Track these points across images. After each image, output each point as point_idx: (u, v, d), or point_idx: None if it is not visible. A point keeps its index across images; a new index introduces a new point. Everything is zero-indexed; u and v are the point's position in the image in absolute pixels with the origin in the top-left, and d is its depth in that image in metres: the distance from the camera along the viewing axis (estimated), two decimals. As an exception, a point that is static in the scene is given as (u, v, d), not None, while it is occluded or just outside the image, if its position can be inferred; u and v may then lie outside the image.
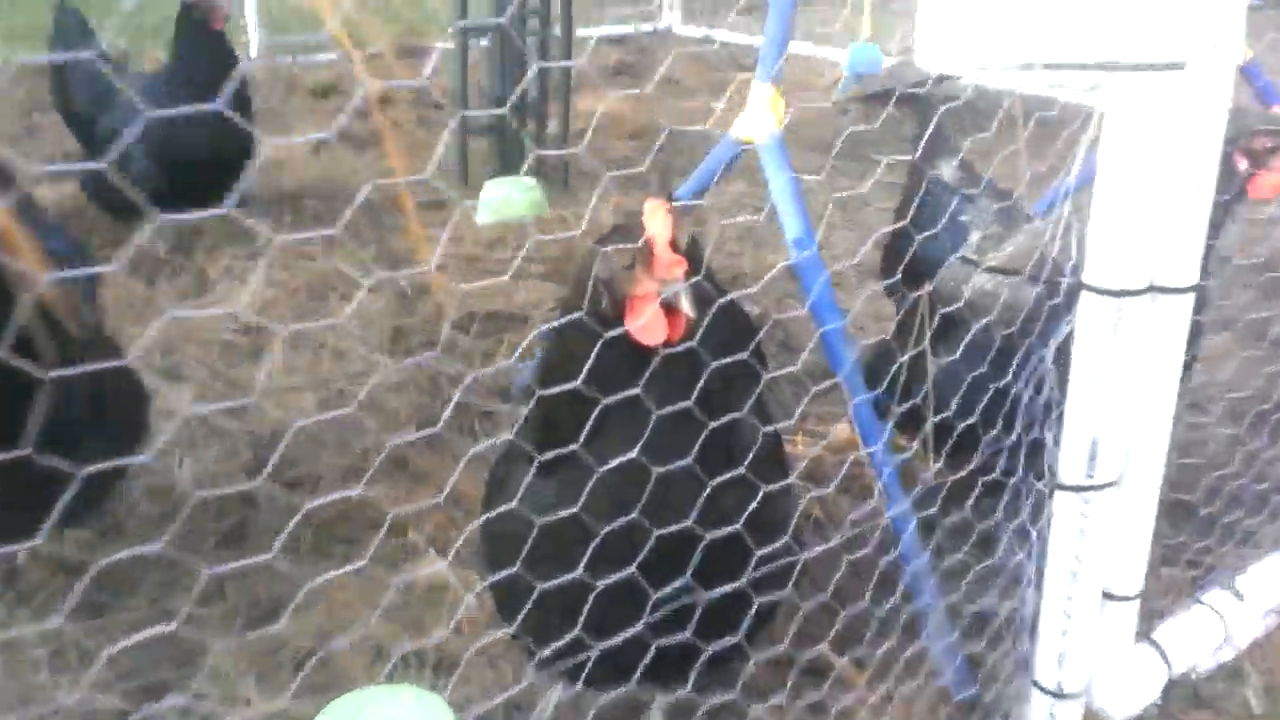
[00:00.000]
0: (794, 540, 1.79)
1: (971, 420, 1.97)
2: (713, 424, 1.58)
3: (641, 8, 9.01)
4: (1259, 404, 2.56)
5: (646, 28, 8.84)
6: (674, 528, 1.55)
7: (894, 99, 2.31)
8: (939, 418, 2.04)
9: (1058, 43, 1.64)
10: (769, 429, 1.77)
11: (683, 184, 2.74)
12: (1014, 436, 1.88)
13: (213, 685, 2.23)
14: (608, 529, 1.51)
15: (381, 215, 4.71)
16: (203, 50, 4.19)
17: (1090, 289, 1.65)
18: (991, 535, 2.04)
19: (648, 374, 1.54)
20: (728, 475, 1.60)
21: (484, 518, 1.76)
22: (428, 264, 4.03)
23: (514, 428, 1.84)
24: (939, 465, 2.14)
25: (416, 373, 3.41)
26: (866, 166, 5.44)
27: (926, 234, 2.20)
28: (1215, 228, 1.70)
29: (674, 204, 1.57)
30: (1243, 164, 2.19)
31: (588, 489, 1.50)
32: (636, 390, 1.47)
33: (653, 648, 1.58)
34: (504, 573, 1.55)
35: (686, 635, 1.60)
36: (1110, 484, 1.71)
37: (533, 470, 1.67)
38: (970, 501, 1.95)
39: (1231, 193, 2.16)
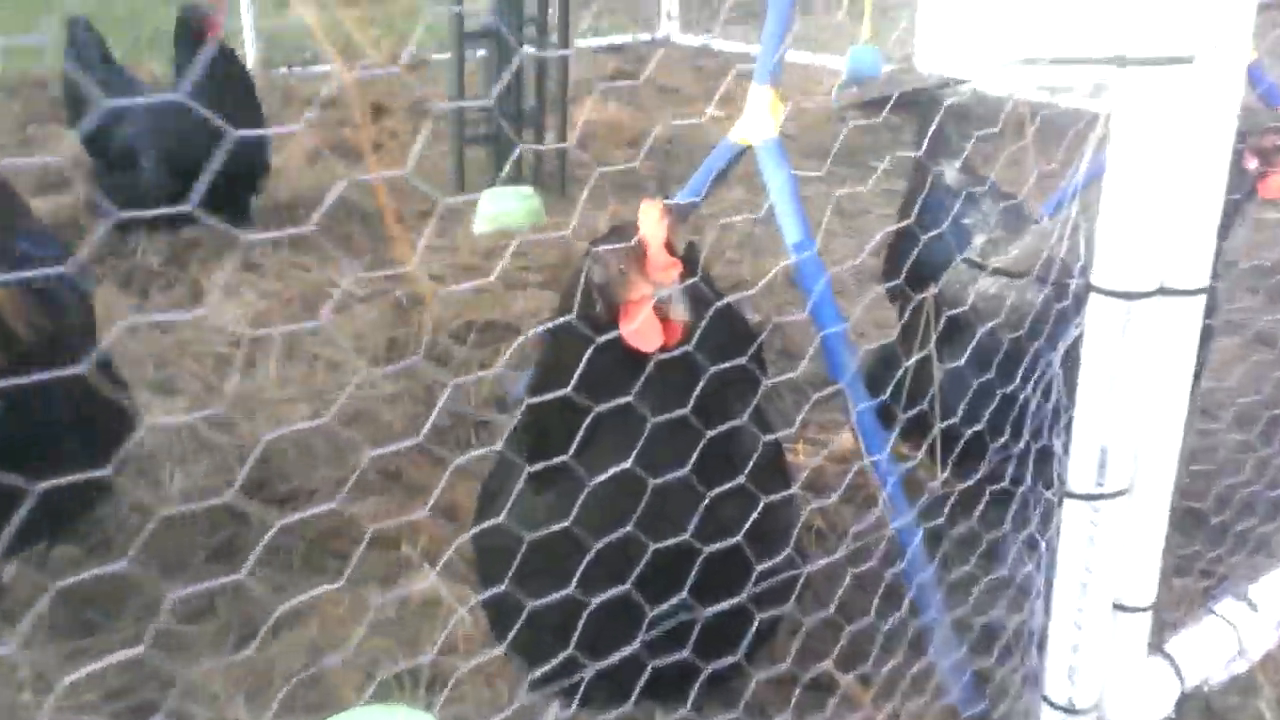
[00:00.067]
0: (796, 553, 1.73)
1: (978, 428, 1.92)
2: (710, 432, 1.52)
3: (640, 17, 8.99)
4: (1269, 410, 2.51)
5: (645, 37, 8.81)
6: (671, 541, 1.49)
7: (892, 103, 2.27)
8: (945, 424, 1.99)
9: (1063, 38, 1.61)
10: (769, 437, 1.71)
11: (681, 189, 2.70)
12: (1022, 444, 1.83)
13: (201, 705, 2.18)
14: (602, 543, 1.45)
15: (377, 226, 4.67)
16: (212, 64, 4.17)
17: (1099, 291, 1.60)
18: (999, 546, 1.99)
19: (642, 380, 1.48)
20: (727, 486, 1.55)
21: (474, 531, 1.71)
22: (411, 269, 3.98)
23: (504, 438, 1.79)
24: (946, 475, 2.08)
25: (411, 384, 3.36)
26: (866, 174, 5.42)
27: (931, 234, 2.15)
28: (1225, 228, 1.65)
29: (669, 205, 1.52)
30: (1253, 163, 2.14)
31: (580, 501, 1.44)
32: (629, 398, 1.41)
33: (650, 667, 1.53)
34: (495, 589, 1.50)
35: (685, 653, 1.54)
36: (1121, 492, 1.67)
37: (523, 481, 1.61)
38: (978, 512, 1.89)
39: (1242, 192, 2.11)
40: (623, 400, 1.40)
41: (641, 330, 1.51)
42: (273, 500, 2.83)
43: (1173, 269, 1.60)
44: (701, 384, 1.49)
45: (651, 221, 1.48)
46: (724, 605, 1.55)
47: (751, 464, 1.60)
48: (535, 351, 3.17)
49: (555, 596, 1.40)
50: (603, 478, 1.42)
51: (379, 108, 6.30)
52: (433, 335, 3.70)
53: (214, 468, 2.92)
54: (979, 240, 2.49)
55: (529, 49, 5.22)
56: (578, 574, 1.43)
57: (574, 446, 1.47)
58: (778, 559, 1.62)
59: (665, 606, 1.52)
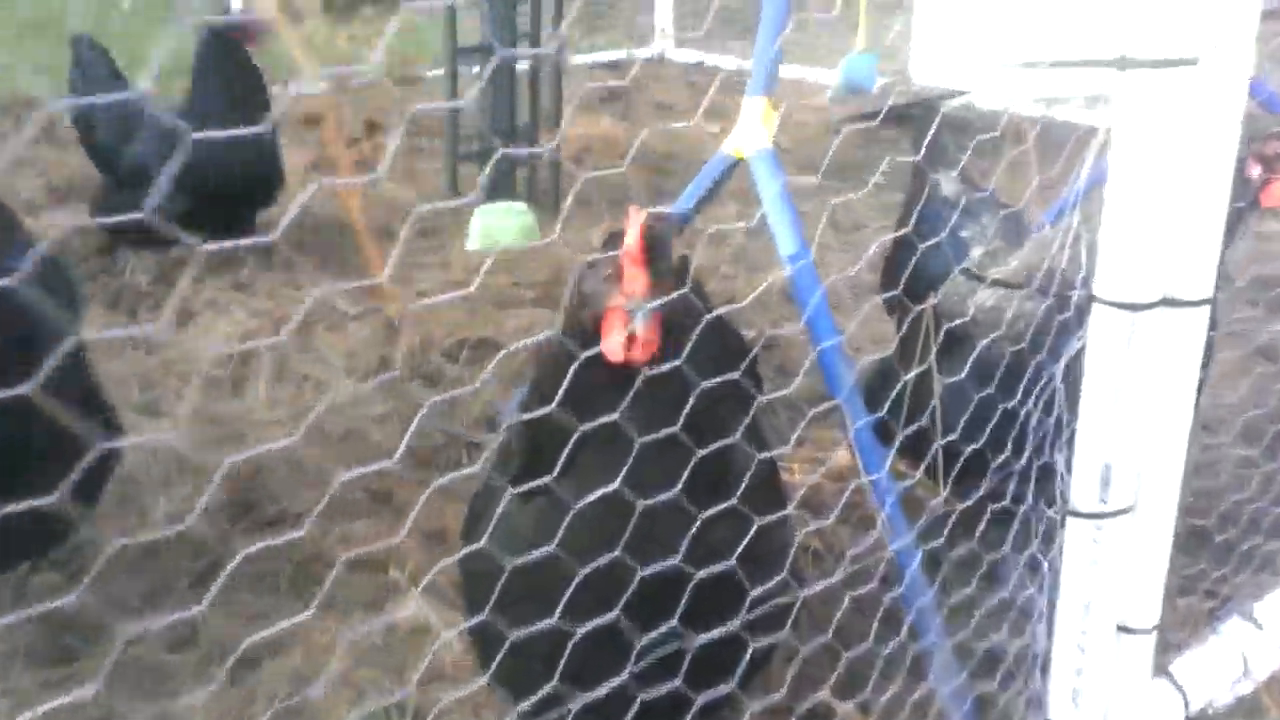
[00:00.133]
0: (792, 576, 1.67)
1: (979, 444, 1.86)
2: (702, 451, 1.46)
3: (634, 33, 8.97)
4: (1273, 424, 2.46)
5: (639, 54, 8.80)
6: (660, 566, 1.43)
7: (883, 115, 2.23)
8: (945, 441, 1.94)
9: (1064, 40, 1.56)
10: (764, 455, 1.66)
11: (674, 202, 2.66)
12: (1023, 461, 1.78)
13: (183, 736, 2.12)
14: (588, 569, 1.39)
15: (370, 244, 4.63)
16: (229, 77, 4.18)
17: (1101, 302, 1.56)
18: (1000, 567, 1.93)
19: (631, 397, 1.42)
20: (719, 507, 1.49)
21: (459, 555, 1.65)
22: (384, 284, 3.94)
23: (486, 457, 1.73)
24: (946, 493, 2.03)
25: (401, 404, 3.31)
26: (860, 187, 5.36)
27: (929, 243, 2.10)
28: (1228, 238, 1.61)
29: (655, 214, 1.47)
30: (1255, 170, 2.09)
31: (565, 524, 1.39)
32: (614, 416, 1.35)
33: (640, 699, 1.47)
34: (478, 616, 1.44)
35: (677, 683, 1.48)
36: (1125, 510, 1.62)
37: (505, 502, 1.56)
38: (979, 532, 1.84)
39: (1245, 201, 2.06)
40: (607, 419, 1.35)
41: (610, 343, 1.47)
42: (259, 523, 2.77)
43: (1176, 279, 1.56)
44: (692, 400, 1.44)
45: (631, 230, 1.44)
46: (716, 633, 1.49)
47: (745, 483, 1.54)
48: (531, 368, 3.13)
49: (538, 626, 1.34)
50: (588, 499, 1.37)
51: (372, 124, 6.27)
52: (424, 354, 3.66)
53: (199, 491, 2.86)
54: (977, 252, 2.44)
55: (522, 65, 5.20)
56: (563, 601, 1.37)
57: (559, 467, 1.41)
58: (772, 584, 1.56)
59: (655, 635, 1.46)
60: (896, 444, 2.02)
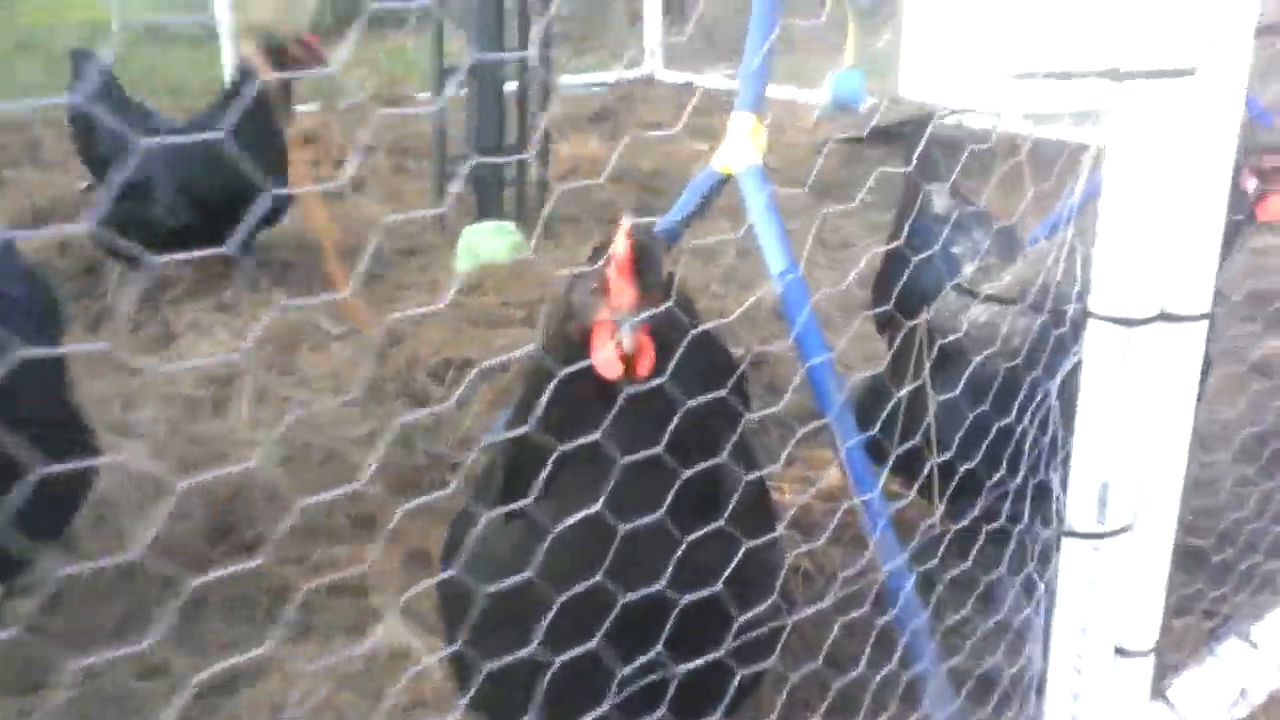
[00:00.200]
0: (782, 599, 1.62)
1: (973, 463, 1.82)
2: (688, 472, 1.41)
3: (623, 54, 8.97)
4: (1271, 442, 2.42)
5: (629, 74, 8.80)
6: (645, 591, 1.38)
7: (872, 134, 2.20)
8: (940, 460, 1.89)
9: (1058, 51, 1.53)
10: (753, 475, 1.61)
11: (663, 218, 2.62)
12: (1018, 480, 1.74)
13: (156, 767, 2.06)
14: (568, 594, 1.34)
15: (356, 264, 4.59)
16: (252, 113, 4.13)
17: (1097, 317, 1.52)
18: (995, 589, 1.89)
19: (615, 415, 1.37)
20: (708, 529, 1.44)
21: (438, 579, 1.60)
22: (348, 299, 3.90)
23: (459, 478, 1.68)
24: (941, 513, 1.98)
25: (386, 425, 3.25)
26: (852, 208, 5.35)
27: (922, 256, 2.06)
28: (1224, 252, 1.58)
29: (641, 224, 1.42)
30: (1251, 184, 2.06)
31: (544, 548, 1.33)
32: (595, 435, 1.30)
33: (624, 727, 1.41)
34: (456, 642, 1.39)
35: (661, 712, 1.43)
36: (1123, 530, 1.58)
37: (485, 525, 1.50)
38: (973, 553, 1.79)
39: (1242, 214, 2.03)
40: (587, 438, 1.29)
41: (604, 358, 1.42)
42: (238, 547, 2.71)
43: (1174, 293, 1.53)
44: (678, 418, 1.39)
45: (619, 242, 1.39)
46: (702, 660, 1.44)
47: (734, 505, 1.50)
48: (517, 387, 3.08)
49: (517, 656, 1.28)
50: (568, 522, 1.32)
51: (362, 144, 6.24)
52: (410, 373, 3.61)
53: (178, 514, 2.81)
54: (969, 268, 2.41)
55: (510, 85, 5.18)
56: (544, 627, 1.32)
57: (537, 489, 1.36)
58: (761, 609, 1.51)
59: (638, 664, 1.40)
60: (889, 463, 1.98)
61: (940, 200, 2.66)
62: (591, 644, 1.31)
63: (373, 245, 4.41)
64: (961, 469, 1.84)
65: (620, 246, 1.39)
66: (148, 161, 4.11)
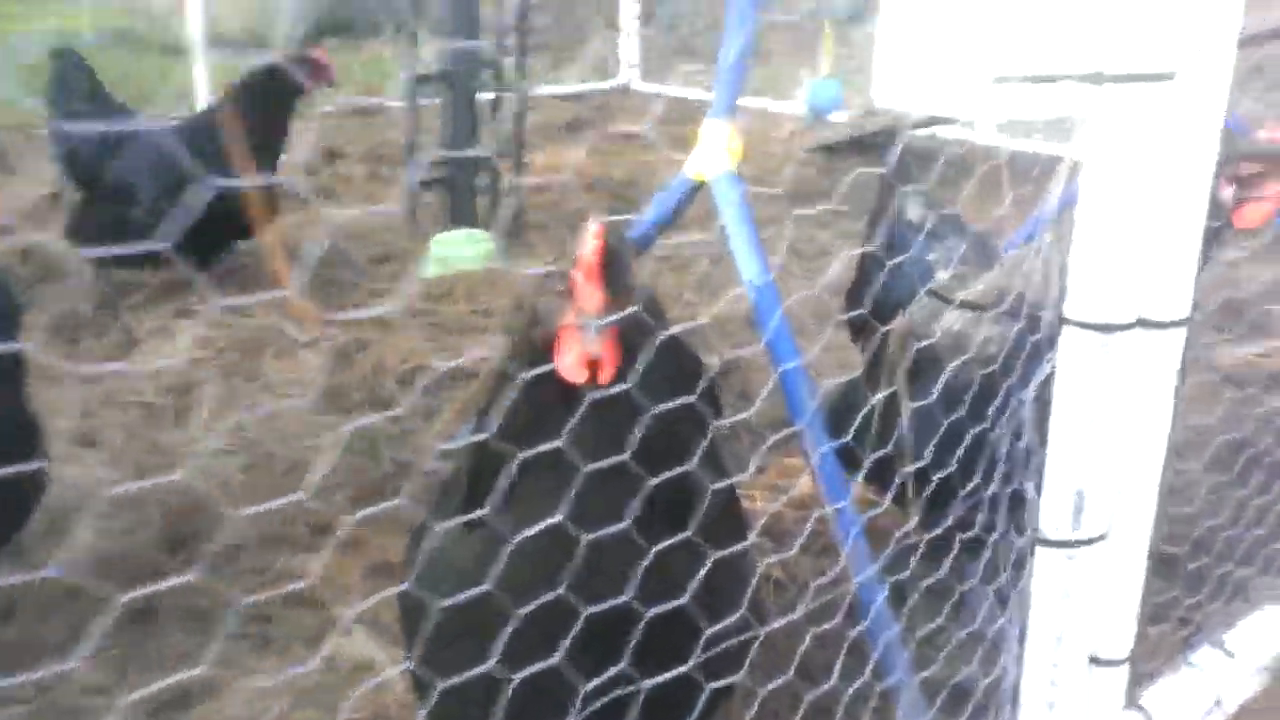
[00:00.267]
0: (754, 609, 1.57)
1: (946, 471, 1.79)
2: (654, 480, 1.37)
3: (599, 65, 8.96)
4: (1243, 450, 2.41)
5: (604, 85, 8.78)
6: (610, 603, 1.33)
7: (848, 143, 2.17)
8: (914, 468, 1.86)
9: (1036, 55, 1.51)
10: (722, 483, 1.57)
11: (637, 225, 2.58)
12: (992, 488, 1.71)
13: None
14: (532, 605, 1.29)
15: (325, 270, 4.54)
16: (264, 113, 4.10)
17: (1073, 323, 1.50)
18: (969, 598, 1.85)
19: (579, 421, 1.32)
20: (677, 538, 1.40)
21: (398, 590, 1.55)
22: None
23: (409, 489, 1.63)
24: (915, 522, 1.95)
25: (352, 433, 3.19)
26: (827, 218, 5.35)
27: (896, 260, 2.04)
28: (1203, 257, 1.56)
29: (610, 225, 1.38)
30: (1228, 191, 2.04)
31: (504, 559, 1.28)
32: (558, 442, 1.25)
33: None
34: (412, 656, 1.34)
35: (628, 725, 1.39)
36: (1098, 538, 1.55)
37: (446, 534, 1.45)
38: (947, 562, 1.76)
39: (1219, 221, 2.02)
40: (548, 445, 1.25)
41: (569, 362, 1.38)
42: (194, 559, 2.64)
43: (1151, 300, 1.51)
44: (644, 424, 1.35)
45: (586, 243, 1.35)
46: (670, 675, 1.39)
47: (703, 514, 1.45)
48: (483, 394, 3.03)
49: (476, 671, 1.23)
50: (530, 532, 1.26)
51: (333, 152, 6.19)
52: (378, 380, 3.55)
53: (134, 524, 2.74)
54: (944, 275, 2.38)
55: (485, 95, 5.15)
56: (504, 639, 1.26)
57: (502, 496, 1.31)
58: (730, 621, 1.46)
59: (604, 678, 1.35)
60: (862, 472, 1.94)
61: (915, 208, 2.64)
62: (555, 658, 1.26)
63: (320, 246, 4.35)
64: (935, 477, 1.81)
65: (588, 248, 1.35)
66: (131, 163, 4.04)
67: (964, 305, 2.12)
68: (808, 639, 1.60)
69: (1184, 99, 1.42)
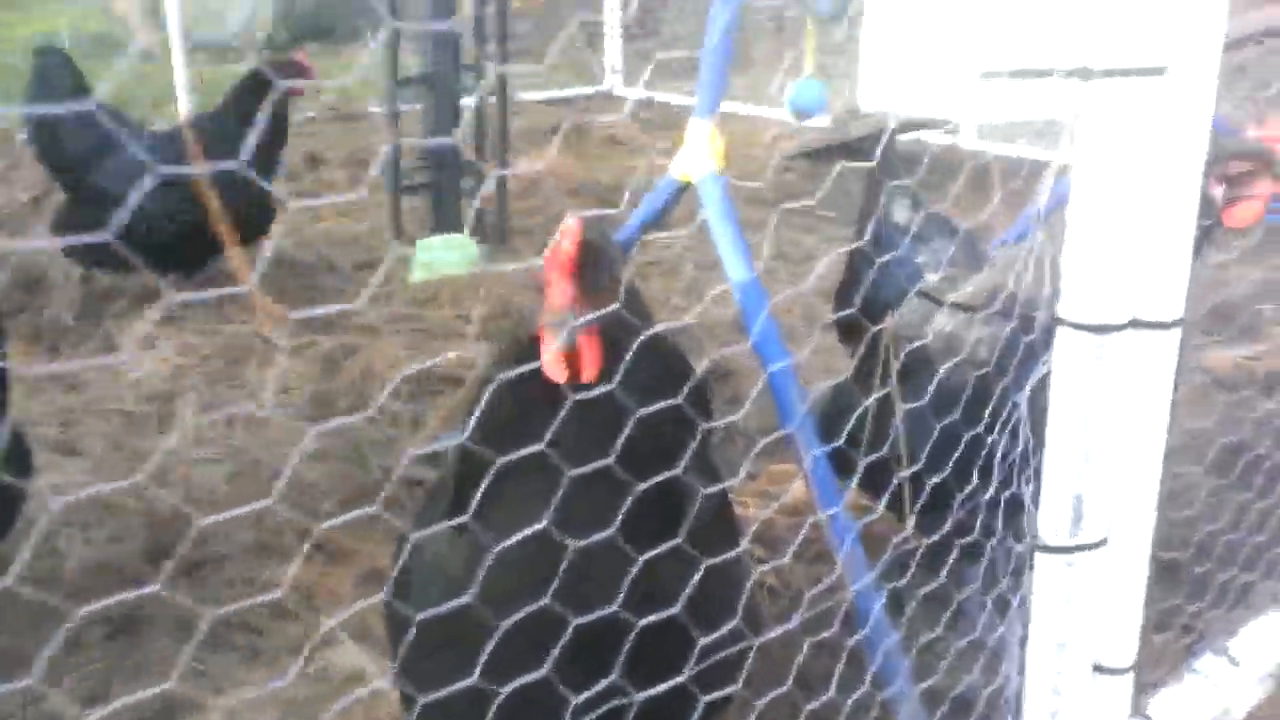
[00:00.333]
0: (746, 620, 1.54)
1: (941, 476, 1.77)
2: (642, 485, 1.34)
3: (583, 70, 8.94)
4: (1243, 453, 2.40)
5: (588, 90, 8.77)
6: (600, 612, 1.30)
7: (833, 149, 2.15)
8: (909, 472, 1.84)
9: (1024, 50, 1.50)
10: (714, 488, 1.53)
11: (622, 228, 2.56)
12: (989, 493, 1.69)
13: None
14: (521, 613, 1.26)
15: (311, 277, 4.50)
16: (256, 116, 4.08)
17: (1067, 324, 1.48)
18: (968, 606, 1.83)
19: (570, 423, 1.29)
20: (669, 544, 1.37)
21: (383, 598, 1.51)
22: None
23: (382, 500, 1.60)
24: (911, 528, 1.93)
25: (338, 441, 3.16)
26: (812, 222, 5.35)
27: (885, 258, 2.01)
28: (1195, 256, 1.55)
29: (589, 220, 1.36)
30: (1218, 190, 2.03)
31: (489, 565, 1.24)
32: (540, 445, 1.21)
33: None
34: (401, 665, 1.30)
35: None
36: (1098, 544, 1.53)
37: (433, 540, 1.42)
38: (945, 569, 1.74)
39: (1210, 220, 2.00)
40: (531, 449, 1.21)
41: (548, 360, 1.36)
42: (181, 569, 2.60)
43: (1145, 300, 1.49)
44: (630, 425, 1.32)
45: (562, 238, 1.33)
46: (662, 687, 1.36)
47: (694, 520, 1.42)
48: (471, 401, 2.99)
49: (459, 685, 1.19)
50: (517, 537, 1.23)
51: (314, 158, 6.15)
52: (364, 386, 3.52)
53: (117, 534, 2.70)
54: (933, 277, 2.37)
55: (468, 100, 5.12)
56: (490, 648, 1.23)
57: (489, 500, 1.28)
58: (724, 630, 1.43)
59: (594, 691, 1.32)
60: (856, 477, 1.92)
61: (901, 210, 2.62)
62: (542, 670, 1.23)
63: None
64: (930, 482, 1.79)
65: (563, 243, 1.33)
66: (124, 167, 3.98)
67: (955, 306, 2.10)
68: (805, 648, 1.57)
69: (1174, 94, 1.40)
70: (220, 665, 2.31)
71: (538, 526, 1.23)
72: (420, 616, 1.18)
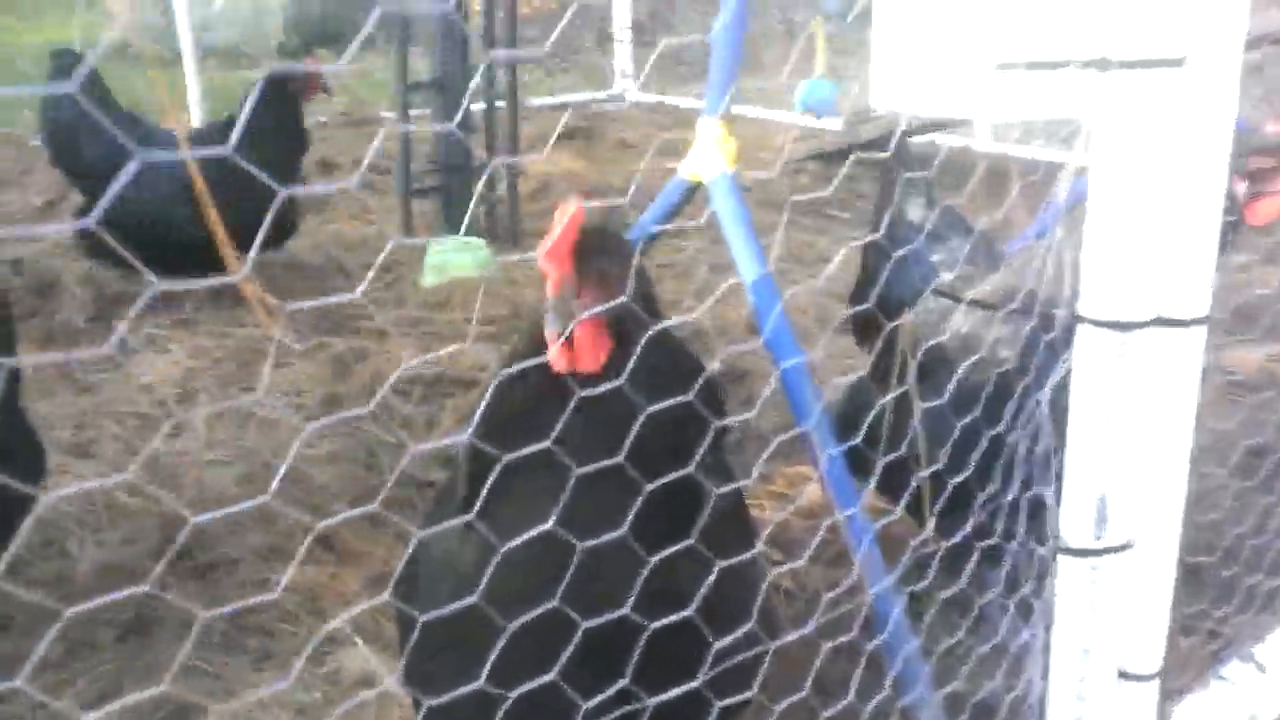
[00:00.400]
0: (761, 623, 1.51)
1: (962, 476, 1.74)
2: (651, 484, 1.29)
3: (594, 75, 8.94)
4: (1268, 455, 2.35)
5: (600, 95, 8.76)
6: (611, 614, 1.27)
7: (847, 151, 2.13)
8: (928, 473, 1.80)
9: (1042, 40, 1.47)
10: (728, 488, 1.50)
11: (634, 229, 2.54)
12: (1011, 495, 1.66)
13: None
14: (532, 613, 1.22)
15: (320, 280, 4.49)
16: (275, 124, 4.06)
17: (1088, 322, 1.45)
18: (990, 610, 1.80)
19: (580, 419, 1.25)
20: (683, 544, 1.34)
21: (391, 599, 1.48)
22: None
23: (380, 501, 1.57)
24: (930, 530, 1.89)
25: (350, 443, 3.14)
26: (825, 225, 5.31)
27: (901, 252, 1.98)
28: (1219, 251, 1.52)
29: (591, 206, 1.33)
30: (1241, 187, 2.00)
31: (497, 564, 1.20)
32: (547, 443, 1.18)
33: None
34: (411, 666, 1.28)
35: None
36: (1123, 546, 1.50)
37: (443, 538, 1.39)
38: (966, 572, 1.70)
39: (1233, 217, 1.97)
40: (538, 446, 1.18)
41: (551, 349, 1.34)
42: (192, 571, 2.59)
43: (1169, 296, 1.46)
44: (639, 421, 1.28)
45: (560, 224, 1.30)
46: (675, 692, 1.33)
47: (707, 520, 1.39)
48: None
49: (467, 689, 1.16)
50: (522, 539, 1.20)
51: (326, 163, 6.15)
52: (375, 388, 3.50)
53: (130, 535, 2.68)
54: (949, 276, 2.33)
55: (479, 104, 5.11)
56: (500, 649, 1.20)
57: (498, 498, 1.25)
58: (739, 634, 1.40)
59: (605, 696, 1.29)
60: (874, 478, 1.89)
61: (916, 209, 2.60)
62: (551, 674, 1.20)
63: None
64: (950, 483, 1.75)
65: (559, 230, 1.30)
66: (143, 171, 3.95)
67: (974, 304, 2.07)
68: (822, 652, 1.54)
69: (1195, 85, 1.37)
70: (232, 668, 2.29)
71: (545, 526, 1.21)
72: (426, 617, 1.15)
